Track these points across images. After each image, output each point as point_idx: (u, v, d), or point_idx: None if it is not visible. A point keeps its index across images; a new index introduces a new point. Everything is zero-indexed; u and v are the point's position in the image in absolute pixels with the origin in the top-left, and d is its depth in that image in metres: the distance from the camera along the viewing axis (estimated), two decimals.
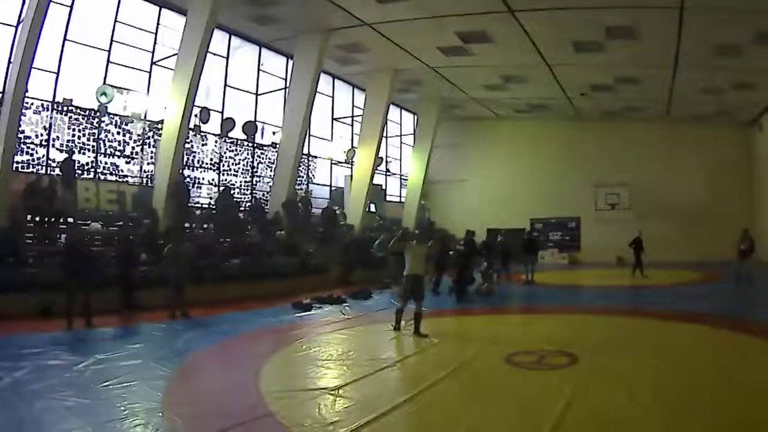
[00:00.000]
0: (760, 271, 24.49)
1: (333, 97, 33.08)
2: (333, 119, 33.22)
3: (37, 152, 19.59)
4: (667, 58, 26.56)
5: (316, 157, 31.70)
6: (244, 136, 26.25)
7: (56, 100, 20.05)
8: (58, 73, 19.98)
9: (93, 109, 20.66)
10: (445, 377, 9.62)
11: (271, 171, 27.50)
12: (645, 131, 39.90)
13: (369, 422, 7.27)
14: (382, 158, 35.05)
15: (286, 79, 28.37)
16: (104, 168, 21.15)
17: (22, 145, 19.01)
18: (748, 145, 39.29)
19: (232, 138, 25.75)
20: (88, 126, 20.69)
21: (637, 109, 37.68)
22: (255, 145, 27.12)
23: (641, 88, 32.32)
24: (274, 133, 27.47)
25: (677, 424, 7.38)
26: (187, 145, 22.92)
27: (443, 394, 8.89)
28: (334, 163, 33.39)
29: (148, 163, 22.17)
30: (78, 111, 20.47)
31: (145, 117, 22.13)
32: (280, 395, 8.41)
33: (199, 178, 24.42)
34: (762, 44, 23.60)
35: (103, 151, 21.11)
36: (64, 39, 19.92)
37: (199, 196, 24.27)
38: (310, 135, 29.68)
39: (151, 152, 22.19)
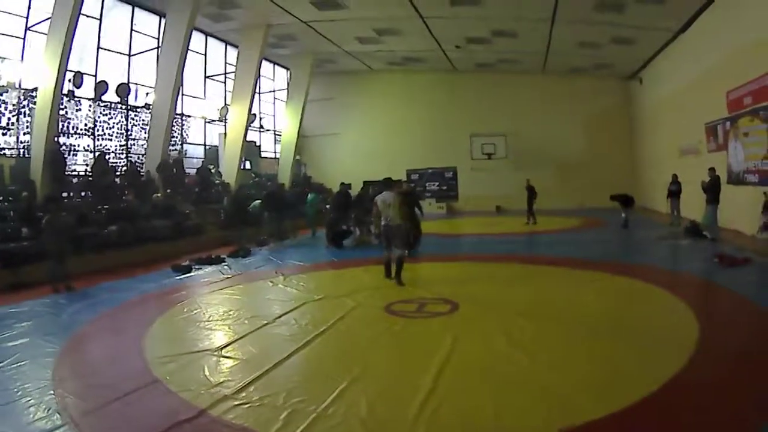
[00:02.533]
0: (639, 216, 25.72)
1: (206, 54, 32.59)
2: (206, 77, 32.73)
3: None
4: (545, 12, 26.89)
5: (189, 116, 31.28)
6: (118, 99, 25.58)
7: None
8: None
9: None
10: (326, 330, 10.00)
11: (145, 133, 26.99)
12: (522, 83, 40.90)
13: (254, 379, 7.55)
14: (255, 115, 34.87)
15: (158, 39, 27.69)
16: None
17: None
18: (629, 98, 40.81)
19: (105, 102, 25.07)
20: None
21: (514, 61, 38.25)
22: (129, 107, 26.47)
23: (518, 42, 32.74)
24: (147, 94, 26.91)
25: (558, 367, 7.83)
26: (61, 112, 22.26)
27: (325, 347, 9.23)
28: (208, 122, 33.02)
29: (24, 134, 21.39)
30: None
31: (20, 86, 21.31)
32: (166, 360, 8.54)
33: (74, 146, 23.73)
34: (644, 2, 24.24)
35: None
36: None
37: (75, 164, 23.60)
38: (183, 94, 29.31)
39: (27, 122, 21.39)
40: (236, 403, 6.85)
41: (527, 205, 29.56)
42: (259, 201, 25.54)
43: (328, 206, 25.61)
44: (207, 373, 7.98)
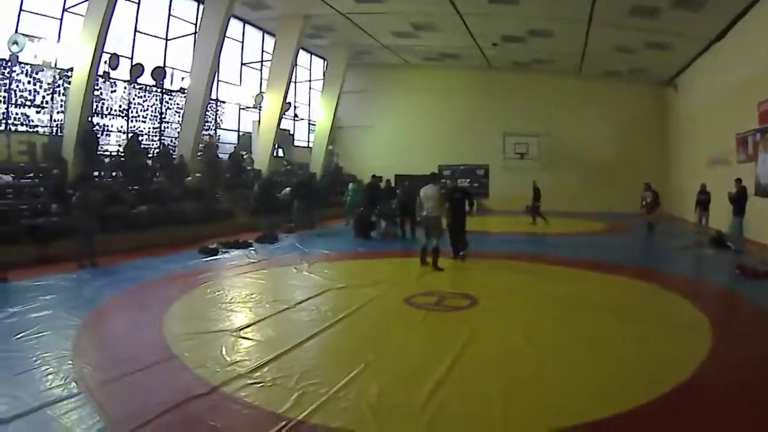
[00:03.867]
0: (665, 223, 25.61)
1: (243, 42, 32.63)
2: (242, 64, 32.79)
3: None
4: (582, 13, 26.66)
5: (224, 102, 31.27)
6: (153, 82, 25.70)
7: None
8: None
9: (4, 59, 19.93)
10: (345, 317, 10.13)
11: (179, 117, 27.15)
12: (557, 84, 40.46)
13: (269, 361, 7.67)
14: (290, 103, 34.84)
15: (196, 24, 27.74)
16: (15, 119, 20.46)
17: None
18: (663, 104, 40.16)
19: (140, 84, 25.20)
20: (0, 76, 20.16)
21: (549, 62, 38.05)
22: (163, 90, 26.59)
23: (554, 42, 32.56)
24: (182, 78, 27.02)
25: (571, 364, 7.97)
26: (96, 93, 22.43)
27: (343, 333, 9.40)
28: (243, 109, 33.07)
29: (58, 112, 21.50)
30: None
31: (55, 65, 21.42)
32: (185, 338, 8.70)
33: (107, 126, 23.87)
34: (679, 8, 24.01)
35: (13, 101, 20.42)
36: None
37: (108, 144, 23.74)
38: (218, 80, 29.37)
39: (61, 101, 21.52)
40: (249, 382, 6.96)
41: (532, 206, 29.75)
42: (289, 188, 25.65)
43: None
44: (224, 352, 8.11)
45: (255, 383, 6.93)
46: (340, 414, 6.14)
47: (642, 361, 8.12)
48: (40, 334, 8.87)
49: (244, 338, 8.88)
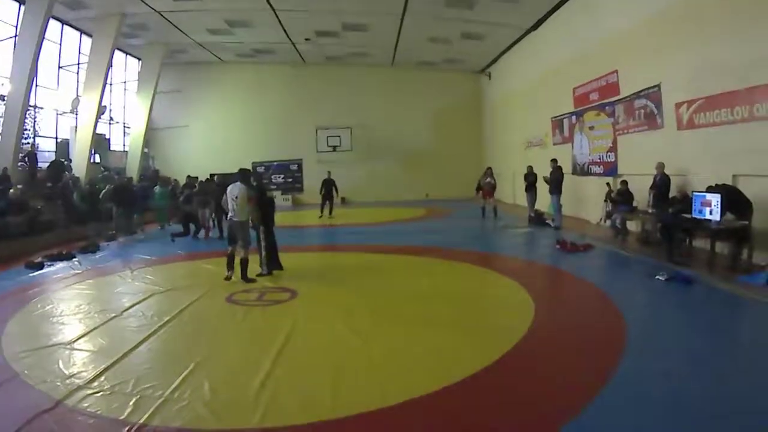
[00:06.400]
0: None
1: (60, 43, 31.92)
2: (59, 67, 32.16)
3: None
4: (396, 6, 27.76)
5: (42, 108, 30.70)
6: None
7: None
8: None
9: None
10: (171, 320, 10.73)
11: None
12: (371, 76, 42.12)
13: (105, 369, 8.05)
14: (105, 106, 34.48)
15: (16, 27, 26.85)
16: None
17: None
18: (478, 92, 42.72)
19: None
20: None
21: (363, 54, 39.11)
22: None
23: (368, 35, 33.73)
24: (2, 84, 26.26)
25: (394, 347, 8.71)
26: None
27: (170, 336, 9.90)
28: (60, 114, 32.37)
29: None
30: None
31: None
32: (23, 356, 8.83)
33: None
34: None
35: None
36: None
37: None
38: (36, 85, 28.80)
39: None
40: (89, 392, 7.30)
41: (323, 197, 30.52)
42: (103, 192, 25.57)
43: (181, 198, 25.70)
44: (61, 365, 8.38)
45: (94, 393, 7.27)
46: (178, 414, 6.60)
47: (466, 339, 9.05)
48: None
49: (79, 350, 9.17)
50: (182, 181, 28.62)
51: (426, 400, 6.77)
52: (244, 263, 14.42)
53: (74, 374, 8.02)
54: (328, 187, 30.51)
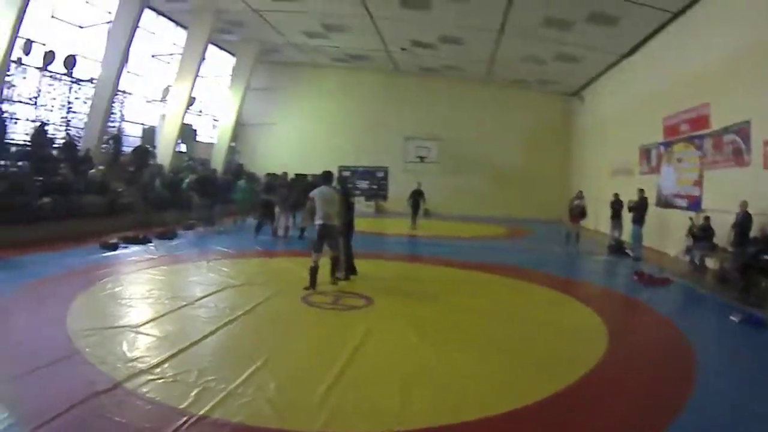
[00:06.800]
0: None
1: (155, 33, 32.19)
2: (152, 55, 32.42)
3: None
4: (494, 22, 27.19)
5: (131, 93, 30.80)
6: (64, 70, 25.15)
7: None
8: None
9: None
10: (242, 315, 10.38)
11: (86, 107, 26.56)
12: (464, 90, 41.21)
13: (170, 357, 7.81)
14: (195, 98, 34.62)
15: (111, 13, 27.08)
16: None
17: None
18: (569, 114, 41.39)
19: (51, 72, 24.63)
20: None
21: (457, 68, 38.52)
22: (73, 79, 25.97)
23: (464, 49, 33.09)
24: (93, 68, 26.50)
25: (468, 362, 8.34)
26: (7, 79, 21.93)
27: (240, 330, 9.61)
28: (149, 101, 32.67)
29: None
30: None
31: None
32: (86, 333, 8.67)
33: (15, 114, 23.32)
34: (593, 23, 24.74)
35: None
36: None
37: (15, 132, 23.25)
38: (127, 71, 28.76)
39: None
40: (151, 377, 7.07)
41: (412, 209, 29.84)
42: (187, 182, 25.61)
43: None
44: (125, 348, 8.18)
45: (156, 379, 7.04)
46: (240, 409, 6.31)
47: (537, 361, 8.58)
48: None
49: (145, 334, 8.95)
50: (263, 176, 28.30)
51: (498, 420, 6.45)
52: (337, 261, 13.73)
53: (137, 358, 7.82)
54: (416, 197, 29.89)
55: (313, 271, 13.04)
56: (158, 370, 7.39)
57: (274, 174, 25.52)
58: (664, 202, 23.31)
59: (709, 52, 20.31)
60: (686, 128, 21.99)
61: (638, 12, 22.79)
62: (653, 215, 22.26)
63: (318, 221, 13.19)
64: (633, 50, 27.61)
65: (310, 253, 13.52)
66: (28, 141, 23.31)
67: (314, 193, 13.38)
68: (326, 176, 13.86)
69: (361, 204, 38.11)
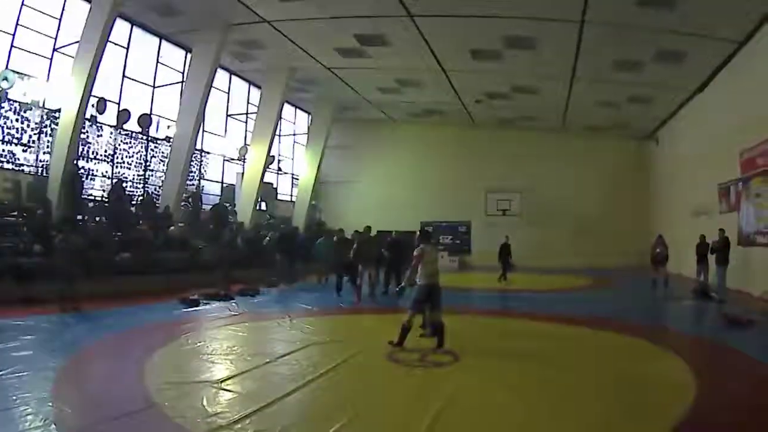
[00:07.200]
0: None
1: (228, 92, 33.00)
2: (228, 115, 33.11)
3: None
4: (565, 69, 27.39)
5: (208, 152, 31.56)
6: (139, 129, 25.91)
7: None
8: None
9: None
10: (327, 372, 9.97)
11: (163, 165, 27.26)
12: (540, 140, 41.13)
13: (251, 413, 7.51)
14: (274, 156, 35.13)
15: (183, 73, 28.19)
16: (1, 156, 20.64)
17: None
18: (645, 159, 41.06)
19: (127, 130, 25.39)
20: None
21: (532, 118, 38.66)
22: (149, 138, 26.77)
23: (537, 98, 33.24)
24: (168, 126, 27.21)
25: (559, 420, 7.84)
26: (82, 136, 22.56)
27: (325, 387, 9.21)
28: (227, 160, 33.27)
29: (44, 153, 21.69)
30: None
31: (43, 105, 21.62)
32: (166, 387, 8.58)
33: (92, 170, 23.98)
34: (661, 61, 24.70)
35: (1, 138, 20.59)
36: None
37: (92, 188, 23.82)
38: (203, 130, 29.61)
39: (48, 141, 21.71)
40: None
41: (501, 263, 29.17)
42: (268, 239, 25.72)
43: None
44: (205, 403, 7.98)
45: None
46: None
47: (626, 414, 8.09)
48: (20, 374, 8.84)
49: (226, 390, 8.72)
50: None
51: None
52: (442, 327, 12.39)
53: (217, 413, 7.56)
54: (506, 251, 29.33)
55: (405, 330, 12.23)
56: (239, 425, 7.12)
57: (360, 231, 25.21)
58: (746, 241, 22.60)
59: None
60: (762, 161, 21.41)
61: (703, 45, 22.84)
62: (736, 255, 21.65)
63: (422, 280, 12.35)
64: (703, 86, 27.50)
65: (392, 309, 13.17)
66: (105, 197, 23.81)
67: (419, 251, 12.46)
68: (425, 234, 13.17)
69: (444, 259, 37.50)
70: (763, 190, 21.43)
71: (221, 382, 9.14)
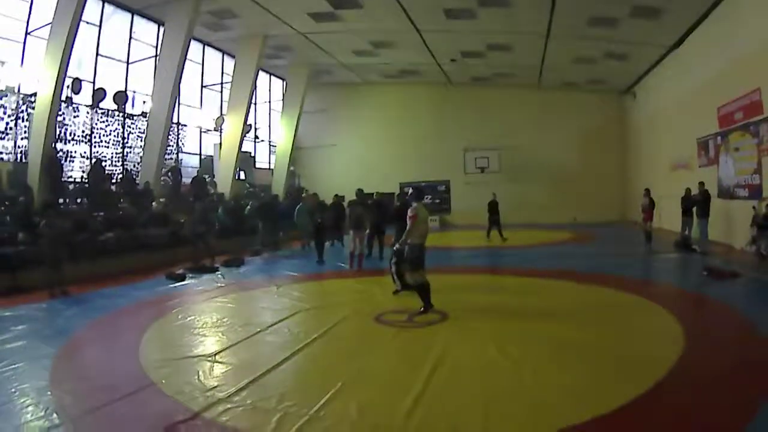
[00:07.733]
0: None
1: (203, 64, 32.75)
2: (202, 86, 32.85)
3: None
4: (540, 26, 27.21)
5: (185, 125, 31.29)
6: (115, 106, 25.69)
7: None
8: None
9: None
10: (317, 338, 10.15)
11: (141, 141, 27.05)
12: (516, 97, 41.02)
13: (247, 384, 7.69)
14: (250, 125, 34.89)
15: (156, 47, 27.83)
16: None
17: None
18: (622, 112, 41.07)
19: (103, 109, 25.14)
20: None
21: (508, 75, 38.46)
22: (126, 115, 26.53)
23: (513, 56, 33.09)
24: (144, 102, 26.93)
25: (546, 373, 8.05)
26: (59, 118, 22.39)
27: (316, 353, 9.39)
28: (204, 132, 33.13)
29: (21, 138, 21.51)
30: None
31: (18, 90, 21.38)
32: (161, 365, 8.70)
33: (71, 152, 23.79)
34: (637, 17, 24.57)
35: None
36: None
37: (71, 170, 23.67)
38: (179, 103, 29.38)
39: (25, 126, 21.53)
40: (230, 406, 6.96)
41: (489, 221, 29.03)
42: (249, 208, 25.81)
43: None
44: (201, 377, 8.13)
45: (235, 407, 6.94)
46: None
47: (616, 365, 8.29)
48: (15, 365, 8.85)
49: (220, 362, 8.89)
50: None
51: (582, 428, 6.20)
52: (427, 287, 12.27)
53: (215, 387, 7.71)
54: (494, 208, 29.14)
55: (425, 290, 12.16)
56: (237, 398, 7.27)
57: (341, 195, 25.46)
58: (726, 194, 22.81)
59: (755, 36, 19.98)
60: (740, 116, 21.57)
61: (680, 1, 22.74)
62: (717, 208, 21.92)
63: (417, 240, 12.29)
64: (680, 42, 27.46)
65: (375, 272, 13.30)
66: (85, 178, 23.68)
67: (414, 210, 12.27)
68: (418, 193, 13.17)
69: None
70: (741, 143, 21.57)
71: (215, 355, 9.29)
